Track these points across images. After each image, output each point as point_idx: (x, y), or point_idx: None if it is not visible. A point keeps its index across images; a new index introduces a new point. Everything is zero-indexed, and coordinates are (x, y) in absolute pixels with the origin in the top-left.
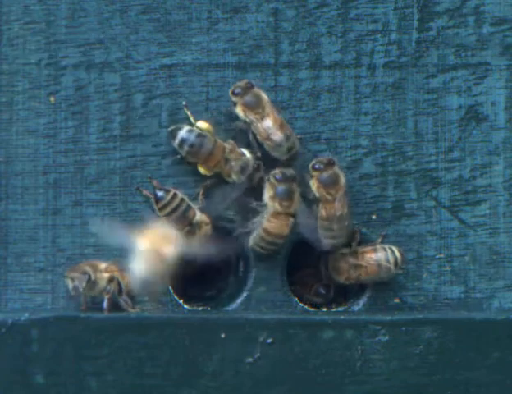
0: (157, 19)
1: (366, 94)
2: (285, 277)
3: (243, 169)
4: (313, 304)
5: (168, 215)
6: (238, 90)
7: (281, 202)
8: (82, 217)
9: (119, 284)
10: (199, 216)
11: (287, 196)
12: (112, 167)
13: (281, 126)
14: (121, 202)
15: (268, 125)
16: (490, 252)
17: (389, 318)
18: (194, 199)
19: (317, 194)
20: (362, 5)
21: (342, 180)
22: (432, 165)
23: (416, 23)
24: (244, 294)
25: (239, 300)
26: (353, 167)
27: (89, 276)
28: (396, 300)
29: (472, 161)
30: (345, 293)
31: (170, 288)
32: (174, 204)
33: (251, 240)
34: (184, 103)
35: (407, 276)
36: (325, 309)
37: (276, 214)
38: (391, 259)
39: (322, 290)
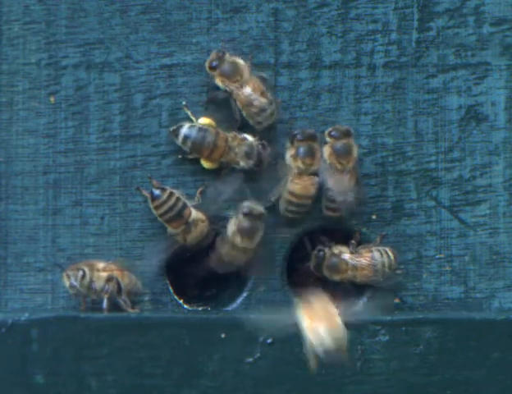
0: (157, 19)
1: (366, 94)
2: (285, 277)
3: (248, 153)
4: None
5: (164, 214)
6: (215, 63)
7: (303, 161)
8: (82, 217)
9: (118, 284)
10: (195, 214)
11: (309, 154)
12: (112, 167)
13: (262, 93)
14: (121, 202)
15: (249, 92)
16: (490, 252)
17: (389, 318)
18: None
19: (328, 162)
20: (362, 5)
21: (355, 152)
22: (432, 165)
23: (416, 23)
24: (244, 294)
25: (239, 300)
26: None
27: (84, 272)
28: (396, 300)
29: (472, 161)
30: (345, 293)
31: (170, 288)
32: (170, 203)
33: (280, 207)
34: (184, 103)
35: (407, 276)
36: None
37: (299, 175)
38: (386, 263)
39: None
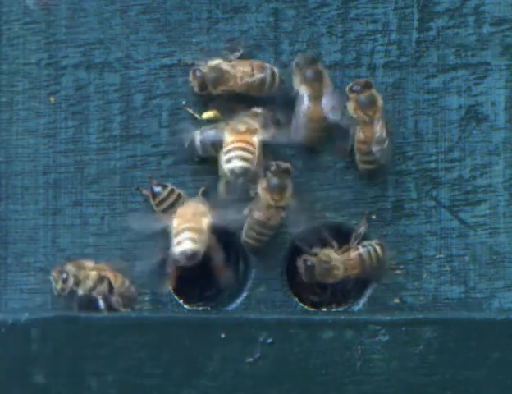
0: (157, 19)
1: None
2: (285, 277)
3: (265, 124)
4: (313, 304)
5: (165, 210)
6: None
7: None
8: (82, 217)
9: (110, 284)
10: None
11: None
12: (112, 167)
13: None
14: (121, 202)
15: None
16: (490, 252)
17: (389, 318)
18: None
19: (355, 116)
20: (362, 5)
21: (380, 101)
22: (432, 165)
23: (416, 23)
24: (244, 294)
25: (239, 300)
26: (353, 167)
27: (67, 274)
28: (396, 300)
29: (472, 161)
30: (346, 293)
31: (170, 288)
32: (171, 200)
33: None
34: (183, 102)
35: (407, 276)
36: (325, 309)
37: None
38: (373, 256)
39: (318, 289)
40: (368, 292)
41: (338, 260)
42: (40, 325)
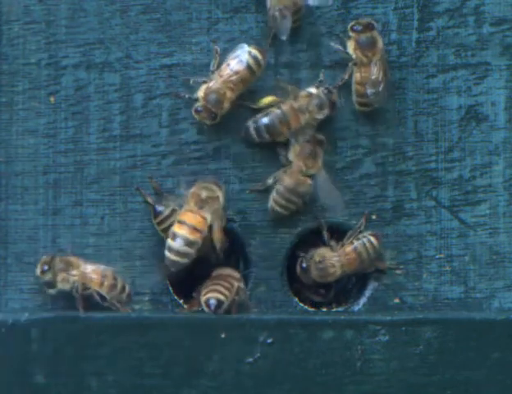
0: (157, 19)
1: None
2: (285, 277)
3: (320, 105)
4: (313, 304)
5: (166, 229)
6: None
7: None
8: (82, 217)
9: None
10: None
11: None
12: (112, 167)
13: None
14: (121, 202)
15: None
16: (490, 252)
17: (389, 318)
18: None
19: (354, 56)
20: (362, 5)
21: (380, 44)
22: (432, 165)
23: (416, 23)
24: None
25: None
26: (353, 167)
27: (48, 268)
28: (396, 300)
29: (472, 161)
30: (346, 293)
31: (170, 288)
32: (172, 219)
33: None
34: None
35: (407, 276)
36: (325, 309)
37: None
38: (370, 248)
39: (322, 290)
40: (368, 292)
41: (333, 258)
42: (40, 325)
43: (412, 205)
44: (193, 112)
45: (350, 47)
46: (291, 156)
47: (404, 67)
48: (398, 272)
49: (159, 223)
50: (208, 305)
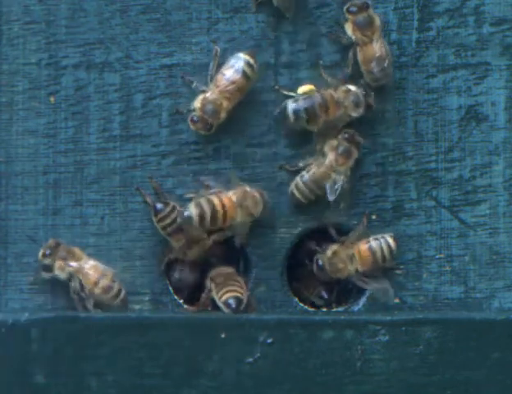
0: (157, 19)
1: None
2: (285, 277)
3: (357, 103)
4: (313, 304)
5: (167, 227)
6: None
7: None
8: (82, 217)
9: (81, 284)
10: None
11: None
12: (112, 167)
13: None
14: (121, 202)
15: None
16: (490, 252)
17: (389, 318)
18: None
19: (354, 37)
20: None
21: (377, 21)
22: (432, 165)
23: (416, 23)
24: None
25: None
26: (353, 167)
27: (50, 253)
28: (396, 300)
29: (472, 161)
30: (346, 293)
31: (170, 288)
32: (173, 217)
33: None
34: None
35: (407, 276)
36: (325, 309)
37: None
38: (385, 249)
39: (325, 294)
40: (368, 292)
41: (345, 254)
42: (40, 325)
43: (412, 205)
44: (189, 122)
45: (349, 29)
46: (327, 148)
47: (404, 67)
48: (398, 272)
49: (159, 221)
50: (229, 305)
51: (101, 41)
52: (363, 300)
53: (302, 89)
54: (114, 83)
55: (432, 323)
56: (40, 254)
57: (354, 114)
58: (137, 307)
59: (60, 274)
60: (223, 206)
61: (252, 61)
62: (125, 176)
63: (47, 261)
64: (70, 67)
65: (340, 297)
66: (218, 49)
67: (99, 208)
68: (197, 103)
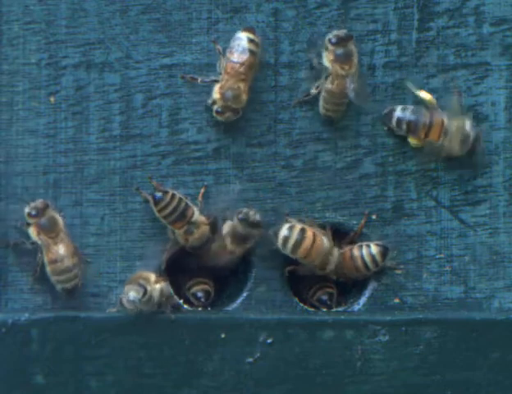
0: (157, 19)
1: None
2: (285, 277)
3: (463, 142)
4: (313, 304)
5: (168, 216)
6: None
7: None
8: (82, 217)
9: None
10: (198, 215)
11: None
12: (112, 167)
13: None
14: (121, 202)
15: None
16: (490, 252)
17: (389, 318)
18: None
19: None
20: (362, 5)
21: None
22: (432, 165)
23: (416, 23)
24: (244, 294)
25: (239, 300)
26: (353, 167)
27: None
28: (396, 300)
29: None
30: (345, 293)
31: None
32: (173, 205)
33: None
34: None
35: (407, 276)
36: (325, 309)
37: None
38: (367, 258)
39: (326, 299)
40: (368, 292)
41: (332, 255)
42: (40, 325)
43: (412, 205)
44: (215, 115)
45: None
46: (326, 63)
47: (404, 67)
48: (398, 272)
49: (161, 210)
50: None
51: (101, 41)
52: (363, 300)
53: (423, 94)
54: (114, 83)
55: (432, 323)
56: (26, 210)
57: (457, 151)
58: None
59: (30, 236)
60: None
61: (252, 36)
62: (125, 176)
63: (29, 221)
64: (70, 67)
65: (340, 297)
66: (220, 48)
67: (99, 208)
68: (215, 95)
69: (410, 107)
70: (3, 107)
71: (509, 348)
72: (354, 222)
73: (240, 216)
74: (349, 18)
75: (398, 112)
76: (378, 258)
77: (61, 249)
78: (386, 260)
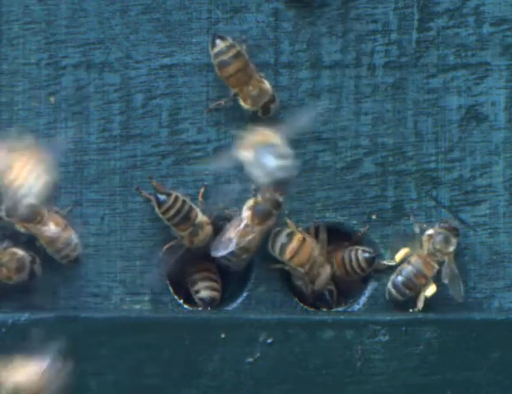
0: (157, 19)
1: (366, 94)
2: (285, 277)
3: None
4: (312, 304)
5: (172, 218)
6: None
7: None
8: (82, 217)
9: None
10: (201, 216)
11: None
12: (112, 167)
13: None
14: (121, 202)
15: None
16: (490, 252)
17: (389, 318)
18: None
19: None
20: (362, 5)
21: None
22: (432, 165)
23: (416, 23)
24: (244, 294)
25: (239, 300)
26: (353, 167)
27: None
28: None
29: (472, 161)
30: (345, 293)
31: (170, 288)
32: (177, 207)
33: (391, 284)
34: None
35: None
36: (325, 309)
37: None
38: (354, 263)
39: (326, 295)
40: (368, 292)
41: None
42: (40, 325)
43: (412, 205)
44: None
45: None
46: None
47: (404, 67)
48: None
49: (164, 212)
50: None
51: (101, 41)
52: (363, 300)
53: (399, 255)
54: (114, 83)
55: (432, 323)
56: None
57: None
58: (137, 307)
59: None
60: None
61: (223, 43)
62: (125, 176)
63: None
64: (70, 67)
65: (340, 297)
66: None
67: (99, 208)
68: (245, 106)
69: (394, 275)
70: (3, 107)
71: (509, 348)
72: (354, 222)
73: (267, 194)
74: (349, 18)
75: (390, 285)
76: (364, 265)
77: (53, 228)
78: (374, 266)
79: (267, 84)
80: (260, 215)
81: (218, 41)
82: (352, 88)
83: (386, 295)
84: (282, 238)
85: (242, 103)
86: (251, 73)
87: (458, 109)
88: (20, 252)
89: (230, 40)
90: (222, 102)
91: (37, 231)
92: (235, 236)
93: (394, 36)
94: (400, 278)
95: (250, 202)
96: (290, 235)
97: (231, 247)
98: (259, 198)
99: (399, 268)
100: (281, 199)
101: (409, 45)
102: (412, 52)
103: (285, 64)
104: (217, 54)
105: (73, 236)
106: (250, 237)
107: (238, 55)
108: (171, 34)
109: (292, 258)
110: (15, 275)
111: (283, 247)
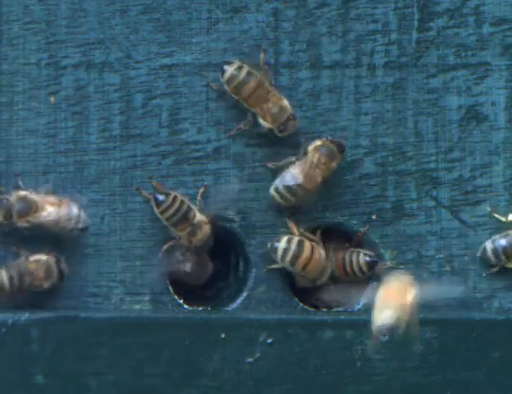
0: (157, 19)
1: (366, 94)
2: (285, 277)
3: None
4: (313, 304)
5: (170, 218)
6: None
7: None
8: None
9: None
10: (199, 216)
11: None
12: (112, 167)
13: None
14: (121, 202)
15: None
16: None
17: None
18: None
19: None
20: (362, 5)
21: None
22: (432, 165)
23: (416, 23)
24: (244, 294)
25: (239, 300)
26: (353, 167)
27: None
28: None
29: (472, 161)
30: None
31: (170, 288)
32: (175, 207)
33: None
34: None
35: None
36: (325, 309)
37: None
38: (355, 266)
39: (327, 296)
40: (368, 292)
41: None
42: (40, 325)
43: (412, 205)
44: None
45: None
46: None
47: (404, 67)
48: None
49: (163, 212)
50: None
51: (101, 41)
52: (362, 300)
53: (511, 216)
54: (114, 83)
55: (432, 323)
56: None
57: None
58: (137, 307)
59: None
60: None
61: (231, 67)
62: (125, 176)
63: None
64: (70, 67)
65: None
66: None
67: (99, 208)
68: (264, 124)
69: (498, 235)
70: (3, 107)
71: (509, 348)
72: (354, 222)
73: (330, 138)
74: (349, 18)
75: (489, 244)
76: (365, 268)
77: (51, 210)
78: (374, 270)
79: (285, 102)
80: (326, 155)
81: (226, 67)
82: (352, 88)
83: (479, 253)
84: (293, 246)
85: (261, 121)
86: (269, 89)
87: (458, 109)
88: (42, 257)
89: (237, 62)
90: (241, 125)
91: (39, 220)
92: (301, 172)
93: (394, 36)
94: (503, 242)
95: (317, 142)
96: (301, 245)
97: (299, 180)
98: (325, 140)
99: (506, 232)
100: (345, 142)
101: (409, 45)
102: (412, 52)
103: (285, 64)
104: (230, 79)
105: (71, 208)
106: (315, 176)
107: (250, 73)
108: (171, 34)
109: (304, 268)
110: (45, 282)
111: (294, 257)
